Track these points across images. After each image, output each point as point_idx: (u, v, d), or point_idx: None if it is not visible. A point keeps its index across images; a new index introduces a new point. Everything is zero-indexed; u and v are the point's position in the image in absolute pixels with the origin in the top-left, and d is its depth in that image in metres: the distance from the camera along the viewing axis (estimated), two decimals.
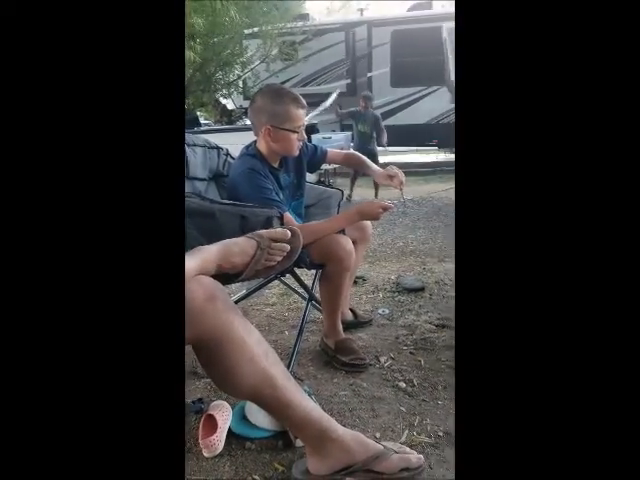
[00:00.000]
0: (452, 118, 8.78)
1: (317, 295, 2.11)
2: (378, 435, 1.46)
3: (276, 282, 2.48)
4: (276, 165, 1.89)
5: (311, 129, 6.82)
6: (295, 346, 1.92)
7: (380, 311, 2.52)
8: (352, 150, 2.38)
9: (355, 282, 2.83)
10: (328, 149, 2.17)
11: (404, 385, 1.78)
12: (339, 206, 2.24)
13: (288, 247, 1.19)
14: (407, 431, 1.48)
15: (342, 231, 1.90)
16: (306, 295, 2.11)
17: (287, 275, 1.99)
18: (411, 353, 2.05)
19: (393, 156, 9.73)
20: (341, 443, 1.19)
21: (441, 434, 1.46)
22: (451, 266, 3.38)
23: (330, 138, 7.26)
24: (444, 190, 6.73)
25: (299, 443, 1.36)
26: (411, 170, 8.79)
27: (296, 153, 1.88)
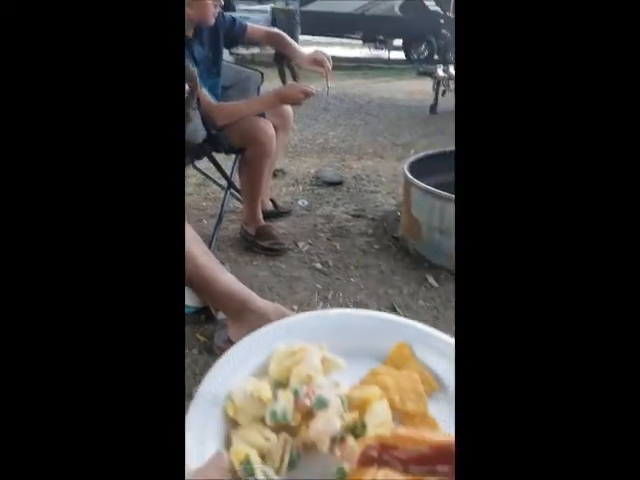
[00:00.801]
0: (379, 10, 8.31)
1: (237, 185, 2.08)
2: (296, 307, 1.58)
3: (192, 172, 2.38)
4: (190, 35, 1.71)
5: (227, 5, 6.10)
6: (214, 232, 1.93)
7: (300, 202, 2.58)
8: (276, 29, 2.20)
9: (275, 175, 2.82)
10: (248, 24, 1.99)
11: (320, 266, 1.90)
12: (258, 90, 2.13)
13: None
14: (322, 303, 1.62)
15: (262, 116, 1.83)
16: (225, 185, 2.08)
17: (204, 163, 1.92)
18: (328, 239, 2.16)
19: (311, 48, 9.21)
20: (260, 313, 1.27)
21: (351, 305, 1.62)
22: (370, 163, 3.48)
23: (248, 19, 6.60)
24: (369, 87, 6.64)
25: (221, 316, 1.44)
26: (333, 65, 8.42)
27: (211, 21, 1.70)
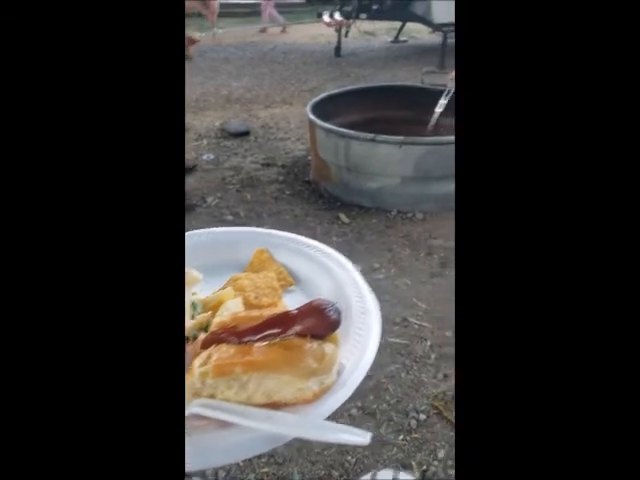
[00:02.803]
0: None
1: None
2: None
3: None
4: None
5: None
6: None
7: (205, 157, 2.47)
8: None
9: None
10: None
11: (231, 217, 1.86)
12: None
13: None
14: None
15: None
16: None
17: None
18: (237, 191, 2.11)
19: None
20: None
21: None
22: (278, 111, 3.39)
23: None
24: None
25: None
26: (225, 11, 7.88)
27: None
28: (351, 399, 1.16)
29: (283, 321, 0.35)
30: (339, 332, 0.39)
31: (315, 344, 0.35)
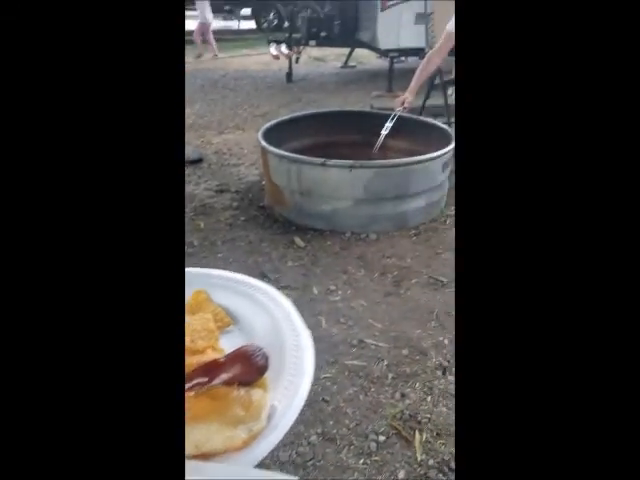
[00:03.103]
0: None
1: None
2: None
3: None
4: None
5: None
6: None
7: None
8: None
9: None
10: None
11: (185, 248, 1.83)
12: None
13: None
14: None
15: None
16: None
17: None
18: (191, 219, 2.08)
19: None
20: None
21: None
22: (231, 137, 3.40)
23: None
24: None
25: None
26: None
27: None
28: (311, 426, 1.15)
29: (210, 370, 0.35)
30: (271, 374, 0.39)
31: (242, 391, 0.35)
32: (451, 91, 3.07)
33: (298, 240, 1.92)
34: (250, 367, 0.36)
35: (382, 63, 5.10)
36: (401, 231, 2.00)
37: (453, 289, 1.64)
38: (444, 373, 1.30)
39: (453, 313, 1.52)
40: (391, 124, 2.33)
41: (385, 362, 1.33)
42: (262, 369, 0.37)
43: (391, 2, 4.20)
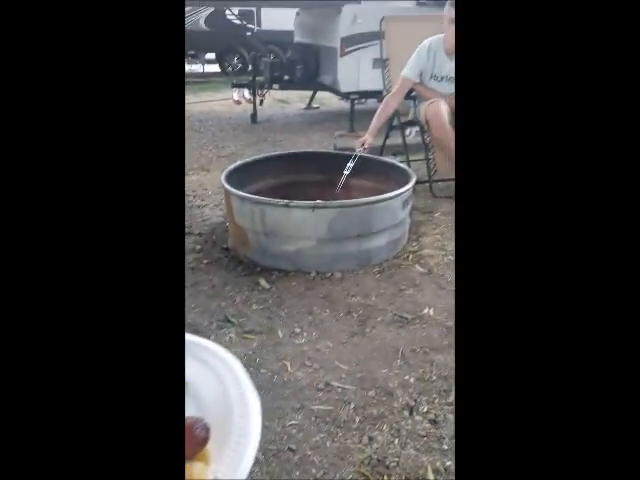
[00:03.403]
0: (187, 24, 8.14)
1: None
2: None
3: None
4: None
5: None
6: None
7: None
8: None
9: None
10: None
11: None
12: None
13: None
14: None
15: None
16: None
17: None
18: None
19: None
20: None
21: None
22: (195, 178, 3.39)
23: None
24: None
25: None
26: None
27: None
28: (277, 478, 1.11)
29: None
30: (214, 445, 0.38)
31: None
32: (409, 131, 3.21)
33: (263, 282, 1.91)
34: (190, 439, 0.35)
35: (344, 104, 5.29)
36: (365, 269, 2.03)
37: (417, 325, 1.65)
38: (411, 413, 1.29)
39: (418, 350, 1.52)
40: (352, 164, 2.40)
41: (352, 405, 1.31)
42: (203, 441, 0.35)
43: (349, 48, 4.41)
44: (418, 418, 1.27)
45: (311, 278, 1.94)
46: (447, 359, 1.47)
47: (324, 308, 1.75)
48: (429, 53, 2.70)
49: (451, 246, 2.21)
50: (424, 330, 1.62)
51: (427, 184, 2.85)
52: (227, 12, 5.27)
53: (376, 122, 2.68)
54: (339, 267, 2.00)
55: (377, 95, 4.13)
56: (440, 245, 2.22)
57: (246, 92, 5.25)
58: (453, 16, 2.46)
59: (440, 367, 1.44)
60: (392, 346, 1.55)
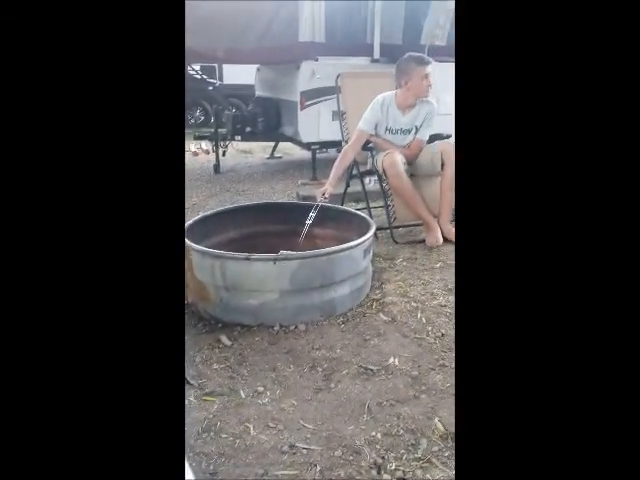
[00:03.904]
0: None
1: None
2: None
3: None
4: None
5: None
6: None
7: None
8: None
9: None
10: None
11: None
12: None
13: None
14: None
15: None
16: None
17: None
18: None
19: None
20: None
21: None
22: None
23: None
24: None
25: None
26: None
27: None
28: None
29: None
30: None
31: None
32: (368, 180, 3.31)
33: (224, 338, 1.86)
34: None
35: (306, 154, 5.43)
36: (330, 319, 2.01)
37: (383, 377, 1.63)
38: (379, 472, 1.24)
39: (384, 403, 1.50)
40: (314, 214, 2.43)
41: (318, 468, 1.26)
42: None
43: (308, 102, 4.59)
44: (386, 476, 1.23)
45: (274, 332, 1.91)
46: (413, 411, 1.45)
47: (288, 364, 1.71)
48: (382, 107, 2.84)
49: (413, 292, 2.23)
50: (390, 381, 1.60)
51: (388, 231, 2.92)
52: (189, 68, 5.42)
53: (335, 172, 2.76)
54: (303, 319, 1.98)
55: (337, 145, 4.27)
56: (402, 292, 2.24)
57: (203, 144, 5.34)
58: (427, 72, 2.72)
59: (406, 420, 1.41)
60: (358, 400, 1.51)
